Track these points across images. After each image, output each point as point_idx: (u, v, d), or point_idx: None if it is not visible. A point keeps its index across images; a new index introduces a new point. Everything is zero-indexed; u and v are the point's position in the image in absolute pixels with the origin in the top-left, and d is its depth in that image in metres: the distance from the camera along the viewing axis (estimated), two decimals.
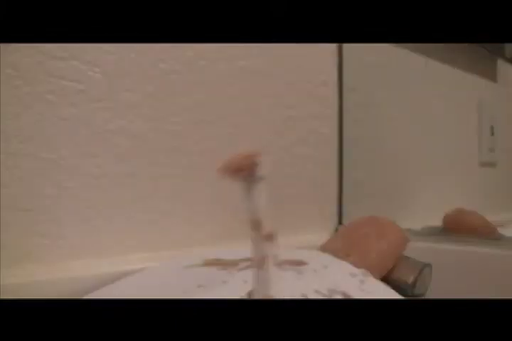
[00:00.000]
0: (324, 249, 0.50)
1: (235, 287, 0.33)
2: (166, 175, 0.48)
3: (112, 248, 0.44)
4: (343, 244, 0.48)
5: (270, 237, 0.21)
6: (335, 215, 0.68)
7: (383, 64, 0.73)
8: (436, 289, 0.47)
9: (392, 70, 0.74)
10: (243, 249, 0.45)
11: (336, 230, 0.66)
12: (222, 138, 0.53)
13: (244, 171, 0.21)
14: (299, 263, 0.39)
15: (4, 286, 0.35)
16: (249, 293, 0.23)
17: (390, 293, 0.37)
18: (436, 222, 0.66)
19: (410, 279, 0.45)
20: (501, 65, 0.84)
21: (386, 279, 0.45)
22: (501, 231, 0.63)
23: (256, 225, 0.21)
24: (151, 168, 0.47)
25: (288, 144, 0.60)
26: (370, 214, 0.54)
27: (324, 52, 0.66)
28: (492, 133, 0.82)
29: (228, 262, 0.40)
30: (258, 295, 0.21)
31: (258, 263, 0.21)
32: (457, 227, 0.65)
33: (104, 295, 0.36)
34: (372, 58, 0.72)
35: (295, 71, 0.61)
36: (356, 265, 0.41)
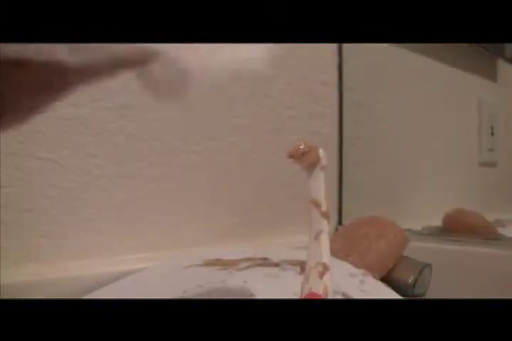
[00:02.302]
0: None
1: (234, 287, 0.33)
2: (166, 175, 0.48)
3: (111, 248, 0.44)
4: (343, 244, 0.48)
5: (326, 215, 0.26)
6: (335, 215, 0.68)
7: (383, 64, 0.73)
8: (436, 289, 0.47)
9: (392, 70, 0.74)
10: (243, 249, 0.45)
11: (336, 230, 0.66)
12: (222, 138, 0.53)
13: (311, 159, 0.26)
14: (300, 263, 0.39)
15: (4, 286, 0.35)
16: (303, 263, 0.26)
17: (389, 294, 0.37)
18: (436, 222, 0.66)
19: (410, 279, 0.45)
20: (501, 65, 0.84)
21: (386, 279, 0.45)
22: (501, 231, 0.63)
23: (316, 204, 0.26)
24: (151, 168, 0.47)
25: (288, 144, 0.60)
26: (370, 214, 0.54)
27: (324, 52, 0.66)
28: (492, 133, 0.82)
29: (228, 262, 0.40)
30: (311, 262, 0.25)
31: (315, 235, 0.25)
32: (457, 227, 0.65)
33: (104, 295, 0.36)
34: (372, 58, 0.72)
35: (295, 71, 0.61)
36: (356, 265, 0.41)
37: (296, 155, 0.27)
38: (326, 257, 0.24)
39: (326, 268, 0.24)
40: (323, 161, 0.26)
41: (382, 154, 0.73)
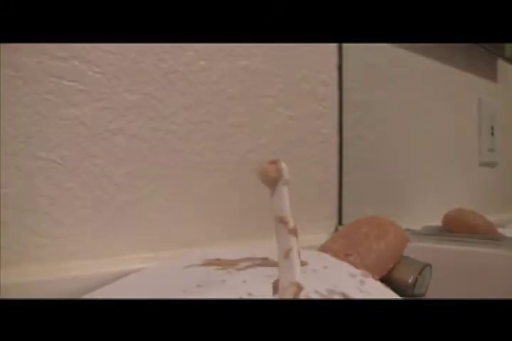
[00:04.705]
0: (324, 249, 0.49)
1: (233, 287, 0.33)
2: (166, 175, 0.48)
3: (111, 248, 0.44)
4: (343, 244, 0.48)
5: (294, 231, 0.25)
6: (335, 215, 0.68)
7: (383, 64, 0.73)
8: (436, 289, 0.47)
9: (392, 70, 0.74)
10: (243, 249, 0.45)
11: (336, 230, 0.66)
12: (222, 138, 0.53)
13: (273, 176, 0.26)
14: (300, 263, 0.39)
15: (4, 286, 0.35)
16: (275, 282, 0.26)
17: (389, 294, 0.37)
18: (436, 221, 0.66)
19: (410, 279, 0.45)
20: (501, 65, 0.84)
21: (386, 279, 0.45)
22: (501, 231, 0.63)
23: (282, 221, 0.25)
24: (151, 168, 0.47)
25: (288, 144, 0.60)
26: (370, 214, 0.54)
27: (324, 52, 0.66)
28: (492, 133, 0.82)
29: (228, 262, 0.40)
30: (284, 282, 0.24)
31: (284, 253, 0.25)
32: (457, 227, 0.65)
33: (104, 295, 0.36)
34: (372, 58, 0.72)
35: (295, 71, 0.61)
36: (356, 265, 0.41)
37: (262, 177, 0.26)
38: (298, 276, 0.24)
39: (300, 287, 0.24)
40: (285, 175, 0.26)
41: (382, 154, 0.73)
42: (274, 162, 0.26)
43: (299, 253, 0.25)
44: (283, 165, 0.26)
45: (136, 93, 0.46)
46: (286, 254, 0.24)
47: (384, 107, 0.73)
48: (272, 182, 0.26)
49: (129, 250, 0.45)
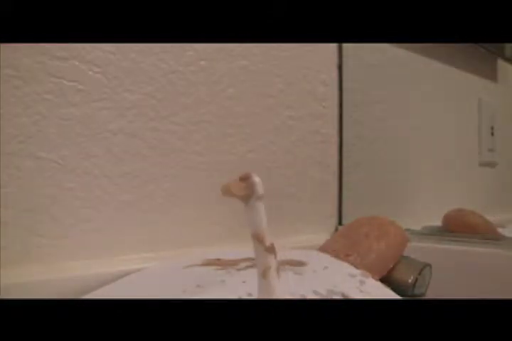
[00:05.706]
0: (324, 249, 0.49)
1: (233, 287, 0.33)
2: (166, 175, 0.48)
3: (112, 248, 0.44)
4: (343, 244, 0.48)
5: (271, 249, 0.24)
6: (335, 215, 0.68)
7: (383, 64, 0.73)
8: (436, 289, 0.47)
9: (392, 70, 0.74)
10: (243, 249, 0.45)
11: (336, 230, 0.66)
12: (222, 138, 0.53)
13: (245, 191, 0.24)
14: (299, 263, 0.39)
15: (4, 286, 0.35)
16: None
17: (389, 294, 0.37)
18: (436, 222, 0.66)
19: (410, 279, 0.45)
20: (501, 65, 0.84)
21: (386, 279, 0.45)
22: (501, 231, 0.63)
23: (259, 239, 0.24)
24: (151, 168, 0.47)
25: (288, 144, 0.60)
26: (370, 214, 0.54)
27: (324, 52, 0.66)
28: (492, 133, 0.82)
29: (228, 262, 0.40)
30: None
31: (262, 272, 0.24)
32: (457, 227, 0.65)
33: (103, 295, 0.36)
34: (372, 58, 0.72)
35: (295, 71, 0.61)
36: (356, 265, 0.41)
37: (229, 194, 0.25)
38: (277, 296, 0.24)
39: None
40: (259, 191, 0.24)
41: (382, 154, 0.73)
42: (246, 177, 0.24)
43: (277, 271, 0.24)
44: (256, 179, 0.24)
45: (136, 93, 0.46)
46: (265, 273, 0.24)
47: (384, 107, 0.73)
48: (244, 198, 0.24)
49: (129, 250, 0.45)
